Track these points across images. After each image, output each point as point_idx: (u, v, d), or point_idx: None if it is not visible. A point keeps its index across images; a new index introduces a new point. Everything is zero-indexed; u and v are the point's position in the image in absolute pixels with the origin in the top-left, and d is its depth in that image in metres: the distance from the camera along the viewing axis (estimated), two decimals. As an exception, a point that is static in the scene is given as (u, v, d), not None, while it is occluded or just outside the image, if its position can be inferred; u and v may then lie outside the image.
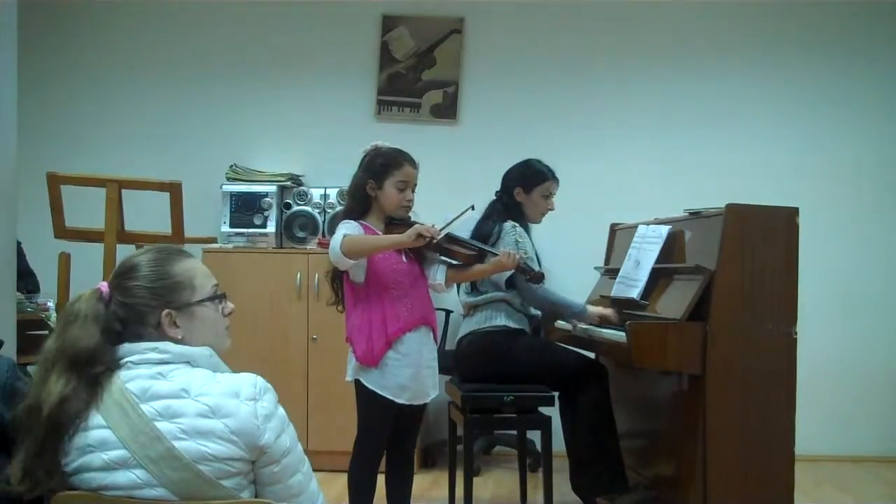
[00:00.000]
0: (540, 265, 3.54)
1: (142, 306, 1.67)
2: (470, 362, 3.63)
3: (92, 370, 1.60)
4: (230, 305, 1.80)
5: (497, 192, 3.75)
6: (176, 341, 1.67)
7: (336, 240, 2.84)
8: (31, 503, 1.60)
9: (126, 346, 1.65)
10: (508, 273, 3.37)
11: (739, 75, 5.08)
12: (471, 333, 3.62)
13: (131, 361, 1.62)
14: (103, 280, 1.75)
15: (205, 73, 5.25)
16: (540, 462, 4.03)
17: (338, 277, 3.01)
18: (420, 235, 2.83)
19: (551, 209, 3.75)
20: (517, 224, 3.58)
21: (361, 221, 2.96)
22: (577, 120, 5.11)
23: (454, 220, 3.05)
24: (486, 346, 3.57)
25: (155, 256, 1.73)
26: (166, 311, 1.68)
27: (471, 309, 3.66)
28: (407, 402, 2.95)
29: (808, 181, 4.92)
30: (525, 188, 3.69)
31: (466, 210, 3.17)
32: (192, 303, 1.71)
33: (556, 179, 3.73)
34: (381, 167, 2.95)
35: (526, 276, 3.26)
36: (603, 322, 3.45)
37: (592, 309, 3.51)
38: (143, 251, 1.76)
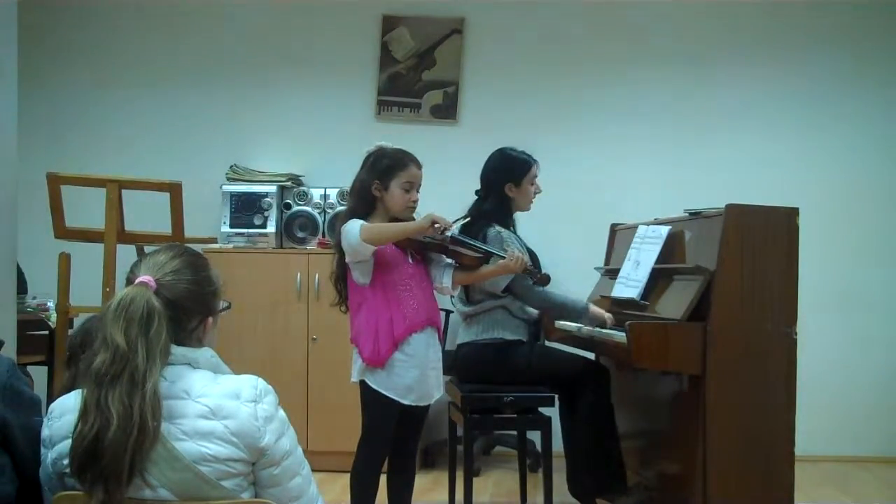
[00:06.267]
0: (536, 264, 3.51)
1: (187, 310, 1.66)
2: (468, 372, 3.59)
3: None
4: None
5: (477, 191, 3.62)
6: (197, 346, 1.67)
7: (352, 230, 2.82)
8: (28, 503, 1.61)
9: None
10: (507, 278, 3.32)
11: (739, 75, 5.08)
12: (468, 344, 3.56)
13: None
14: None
15: (205, 73, 5.25)
16: (540, 462, 4.02)
17: (342, 278, 3.00)
18: (434, 223, 2.85)
19: (538, 192, 3.65)
20: (501, 228, 3.46)
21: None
22: (577, 120, 5.11)
23: (458, 221, 3.06)
24: (484, 359, 3.52)
25: (193, 260, 1.71)
26: (210, 318, 1.69)
27: (467, 318, 3.59)
28: (412, 404, 2.94)
29: (808, 181, 4.92)
30: (515, 182, 3.56)
31: (466, 219, 3.19)
32: (220, 310, 1.72)
33: (536, 161, 3.64)
34: (387, 168, 2.95)
35: (532, 280, 3.23)
36: (598, 325, 3.43)
37: (594, 308, 3.47)
38: (169, 250, 1.71)
